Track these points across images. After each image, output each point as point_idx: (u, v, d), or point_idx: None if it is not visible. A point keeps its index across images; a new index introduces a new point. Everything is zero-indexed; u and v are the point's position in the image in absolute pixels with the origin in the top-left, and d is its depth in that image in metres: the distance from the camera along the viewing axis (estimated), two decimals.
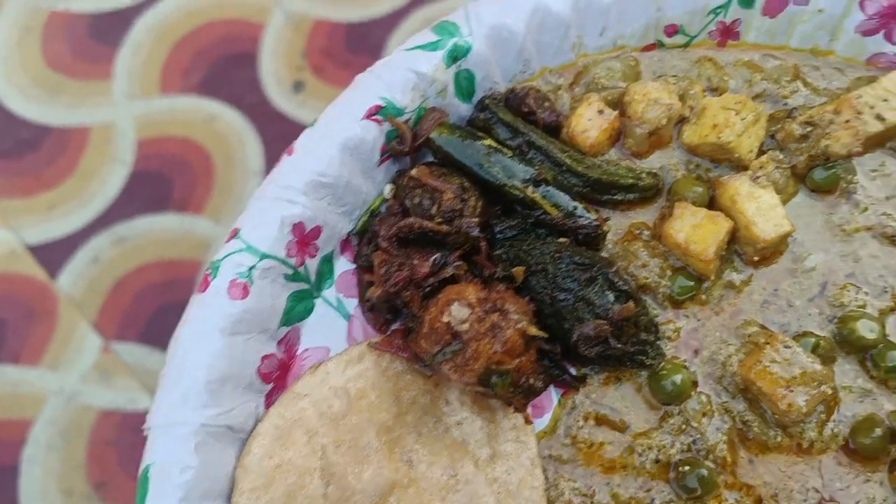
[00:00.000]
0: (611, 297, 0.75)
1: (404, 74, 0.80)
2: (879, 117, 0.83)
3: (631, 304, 0.73)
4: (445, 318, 0.66)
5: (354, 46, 2.69)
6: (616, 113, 0.84)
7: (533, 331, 0.68)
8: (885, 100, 0.83)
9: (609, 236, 0.84)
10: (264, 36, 2.59)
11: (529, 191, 0.78)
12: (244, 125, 2.00)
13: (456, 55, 0.81)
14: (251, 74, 2.51)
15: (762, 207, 0.79)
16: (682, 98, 0.85)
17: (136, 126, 1.95)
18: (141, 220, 1.75)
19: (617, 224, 0.85)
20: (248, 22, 2.67)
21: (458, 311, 0.67)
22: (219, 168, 2.10)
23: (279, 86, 2.11)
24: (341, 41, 2.67)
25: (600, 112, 0.83)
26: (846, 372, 0.80)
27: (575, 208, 0.78)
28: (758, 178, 0.80)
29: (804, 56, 0.90)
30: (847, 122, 0.80)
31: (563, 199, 0.79)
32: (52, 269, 1.64)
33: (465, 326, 0.67)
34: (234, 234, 0.74)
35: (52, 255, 1.73)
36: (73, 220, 1.83)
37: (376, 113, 0.79)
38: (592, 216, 0.79)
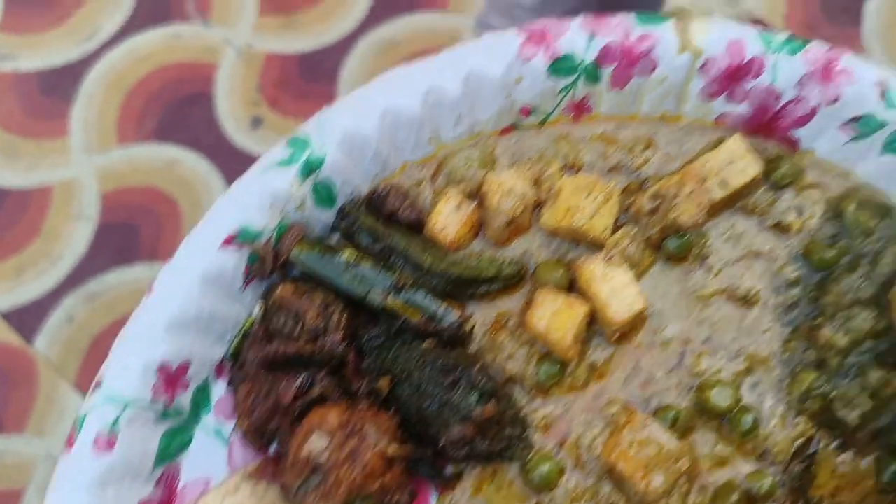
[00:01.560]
0: (474, 398, 0.81)
1: (260, 195, 0.84)
2: (724, 183, 0.90)
3: (492, 404, 0.79)
4: (305, 451, 0.72)
5: (309, 76, 2.73)
6: (474, 205, 0.89)
7: (393, 450, 0.74)
8: (730, 163, 0.90)
9: (477, 329, 0.90)
10: (217, 75, 2.62)
11: (390, 299, 0.83)
12: (206, 166, 2.03)
13: (311, 168, 0.86)
14: (207, 115, 2.55)
15: (616, 288, 0.86)
16: (537, 182, 0.90)
17: (97, 179, 1.97)
18: (111, 275, 1.78)
19: (485, 315, 0.91)
20: (199, 63, 2.69)
21: (316, 441, 0.72)
22: (185, 212, 2.13)
23: (237, 123, 2.15)
24: (295, 72, 2.71)
25: (458, 207, 0.88)
26: (706, 440, 0.87)
27: (436, 310, 0.84)
28: (611, 257, 0.87)
29: (655, 123, 0.96)
30: (690, 193, 0.87)
31: (425, 302, 0.84)
32: (27, 334, 1.68)
33: (325, 456, 0.72)
34: (97, 384, 0.78)
35: (26, 319, 1.76)
36: (43, 282, 1.86)
37: (234, 239, 0.83)
38: (455, 315, 0.84)
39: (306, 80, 2.63)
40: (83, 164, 2.43)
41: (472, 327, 0.91)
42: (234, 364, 0.88)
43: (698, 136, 0.98)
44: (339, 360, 0.84)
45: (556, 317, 0.88)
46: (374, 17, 2.71)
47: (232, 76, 2.63)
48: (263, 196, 0.87)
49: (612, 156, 0.97)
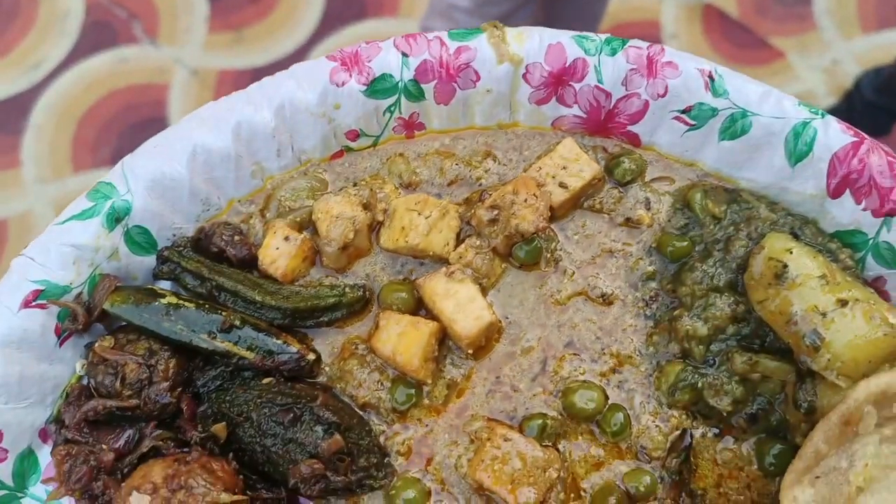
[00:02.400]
0: (319, 431, 0.77)
1: (61, 251, 0.80)
2: (563, 185, 0.89)
3: (337, 437, 0.75)
4: None
5: None
6: (304, 235, 0.86)
7: (226, 499, 0.68)
8: (564, 167, 0.89)
9: (326, 357, 0.86)
10: (170, 96, 2.58)
11: (219, 341, 0.79)
12: None
13: (117, 216, 0.82)
14: None
15: (461, 302, 0.83)
16: (368, 205, 0.88)
17: (54, 210, 1.92)
18: None
19: (333, 342, 0.88)
20: (150, 85, 2.65)
21: (137, 501, 0.66)
22: None
23: None
24: None
25: (286, 239, 0.85)
26: (579, 444, 0.84)
27: (272, 346, 0.79)
28: (453, 273, 0.84)
29: (492, 132, 0.95)
30: (526, 200, 0.85)
31: (259, 339, 0.81)
32: None
33: None
34: None
35: None
36: None
37: (35, 300, 0.78)
38: (294, 348, 0.81)
39: None
40: (38, 196, 2.38)
41: (318, 358, 0.87)
42: (59, 427, 0.81)
43: (537, 141, 0.97)
44: (171, 409, 0.79)
45: (401, 339, 0.84)
46: (323, 28, 2.74)
47: (185, 95, 2.61)
48: (65, 251, 0.83)
49: (449, 170, 0.96)
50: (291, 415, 0.79)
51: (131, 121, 2.62)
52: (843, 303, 0.81)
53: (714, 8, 2.90)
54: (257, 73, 2.67)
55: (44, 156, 2.58)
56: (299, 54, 2.71)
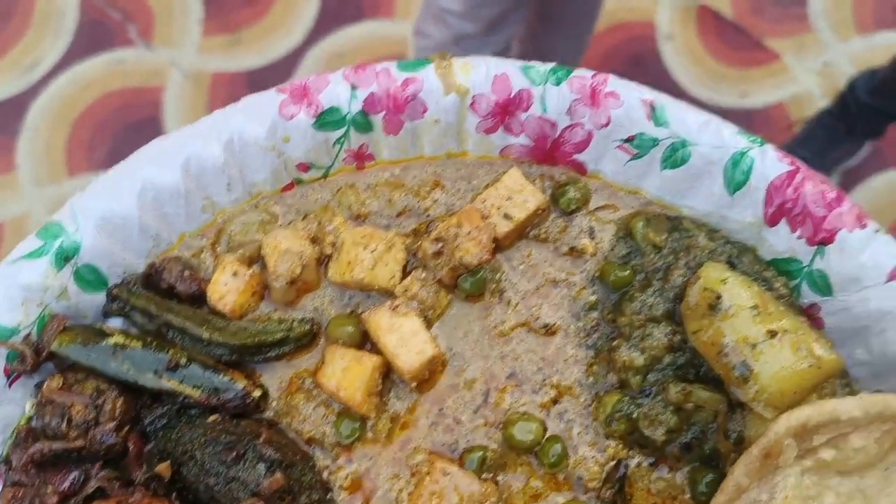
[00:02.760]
0: (261, 469, 0.80)
1: (9, 293, 0.83)
2: (508, 216, 0.92)
3: (279, 475, 0.78)
4: None
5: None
6: (252, 270, 0.89)
7: None
8: (509, 198, 0.92)
9: (273, 392, 0.89)
10: (165, 98, 2.60)
11: (165, 379, 0.82)
12: None
13: (66, 255, 0.85)
14: None
15: (404, 336, 0.86)
16: (316, 238, 0.90)
17: (50, 213, 1.99)
18: None
19: (282, 377, 0.91)
20: (145, 87, 2.68)
21: None
22: None
23: None
24: (244, 90, 2.71)
25: (234, 275, 0.88)
26: (518, 476, 0.87)
27: (217, 384, 0.82)
28: (397, 307, 0.86)
29: (441, 162, 0.97)
30: (469, 233, 0.88)
31: (205, 376, 0.84)
32: None
33: None
34: None
35: None
36: None
37: None
38: (240, 385, 0.84)
39: None
40: (34, 199, 2.41)
41: (265, 393, 0.90)
42: (6, 468, 0.84)
43: (485, 170, 1.00)
44: (118, 449, 0.82)
45: (345, 373, 0.87)
46: (319, 29, 2.75)
47: (180, 98, 2.64)
48: (13, 292, 0.85)
49: (398, 201, 0.98)
50: (234, 453, 0.82)
51: (126, 122, 2.64)
52: (772, 334, 0.84)
53: (709, 9, 2.90)
54: (252, 76, 2.69)
55: (40, 158, 2.61)
56: (295, 56, 2.72)
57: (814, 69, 2.81)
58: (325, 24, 2.77)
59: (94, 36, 2.71)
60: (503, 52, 2.13)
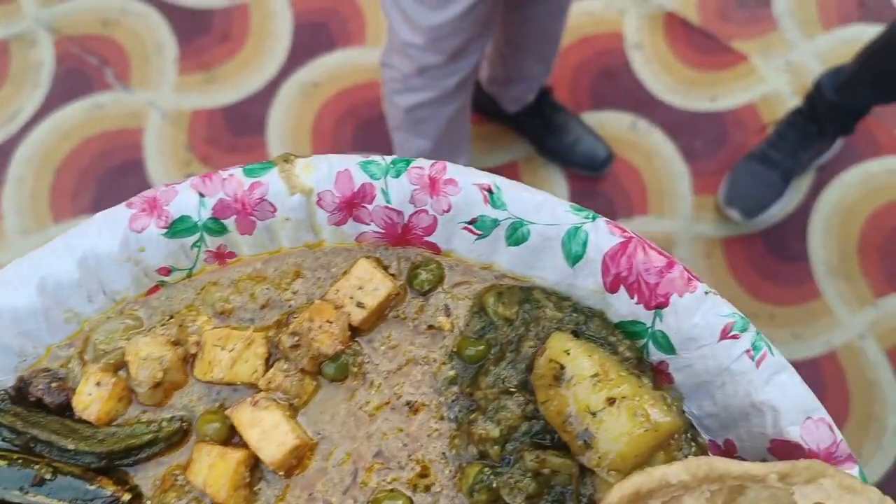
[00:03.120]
0: None
1: None
2: (360, 304, 0.97)
3: None
4: None
5: (236, 128, 2.81)
6: (116, 378, 0.93)
7: None
8: (360, 287, 0.97)
9: (148, 491, 0.93)
10: (145, 139, 2.64)
11: (31, 495, 0.85)
12: None
13: None
14: (140, 181, 2.61)
15: (266, 430, 0.90)
16: (178, 340, 0.94)
17: None
18: None
19: (155, 475, 0.95)
20: (125, 130, 2.72)
21: None
22: None
23: None
24: (222, 126, 2.77)
25: (98, 384, 0.92)
26: None
27: (84, 493, 0.86)
28: (257, 402, 0.91)
29: (301, 252, 1.02)
30: (321, 326, 0.93)
31: (71, 487, 0.87)
32: None
33: None
34: None
35: None
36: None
37: None
38: (108, 491, 0.88)
39: (235, 133, 2.71)
40: (19, 249, 2.43)
41: (137, 495, 0.94)
42: None
43: (343, 257, 1.05)
44: None
45: (211, 470, 0.92)
46: (293, 62, 2.89)
47: (160, 138, 2.69)
48: None
49: (260, 294, 1.03)
50: None
51: (109, 166, 2.70)
52: (611, 401, 0.91)
53: (676, 16, 2.99)
54: (229, 112, 2.75)
55: (25, 207, 2.64)
56: (270, 90, 2.80)
57: (782, 68, 2.91)
58: (299, 55, 2.87)
59: (71, 82, 2.82)
60: (470, 77, 2.21)
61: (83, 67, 2.80)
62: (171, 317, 1.01)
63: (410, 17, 1.93)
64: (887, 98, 2.41)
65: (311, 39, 2.89)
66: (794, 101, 2.76)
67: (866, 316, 2.66)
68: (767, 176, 2.59)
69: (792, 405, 0.94)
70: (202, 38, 2.87)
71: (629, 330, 1.02)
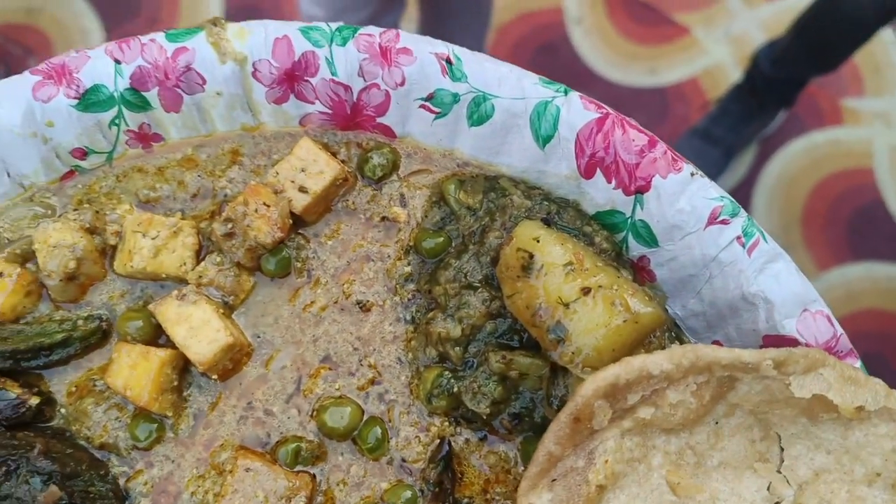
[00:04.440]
0: (37, 483, 0.75)
1: None
2: (303, 189, 0.89)
3: (54, 488, 0.74)
4: None
5: None
6: (22, 269, 0.84)
7: None
8: (303, 170, 0.88)
9: (62, 398, 0.85)
10: None
11: None
12: None
13: None
14: None
15: (194, 326, 0.82)
16: (95, 229, 0.85)
17: None
18: None
19: (71, 380, 0.86)
20: None
21: None
22: None
23: None
24: None
25: (0, 275, 0.81)
26: (338, 465, 0.84)
27: None
28: (185, 295, 0.82)
29: (238, 137, 0.93)
30: (257, 210, 0.84)
31: None
32: None
33: None
34: None
35: None
36: None
37: None
38: (12, 394, 0.80)
39: None
40: None
41: (48, 400, 0.85)
42: None
43: (286, 142, 0.97)
44: None
45: (133, 370, 0.84)
46: None
47: None
48: None
49: (191, 182, 0.94)
50: (4, 468, 0.77)
51: None
52: (585, 291, 0.83)
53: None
54: None
55: None
56: None
57: (724, 39, 2.89)
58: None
59: None
60: None
61: (6, 56, 2.75)
62: (75, 208, 0.91)
63: None
64: (823, 68, 2.42)
65: (242, 4, 2.80)
66: (737, 74, 2.73)
67: None
68: (709, 154, 2.59)
69: (787, 296, 0.86)
70: (130, 23, 2.83)
71: (607, 222, 0.94)
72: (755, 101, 2.55)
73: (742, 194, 2.80)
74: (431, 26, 2.42)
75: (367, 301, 0.92)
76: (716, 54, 2.86)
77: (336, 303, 0.92)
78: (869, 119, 2.81)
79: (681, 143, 2.70)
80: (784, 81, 2.48)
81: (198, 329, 0.84)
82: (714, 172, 2.70)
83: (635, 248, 0.94)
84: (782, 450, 0.81)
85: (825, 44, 2.27)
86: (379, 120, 0.96)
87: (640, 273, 0.95)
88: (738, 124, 2.62)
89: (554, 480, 0.78)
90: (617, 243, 0.94)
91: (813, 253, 2.71)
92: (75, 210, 0.90)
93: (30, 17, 2.82)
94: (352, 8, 1.89)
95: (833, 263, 2.67)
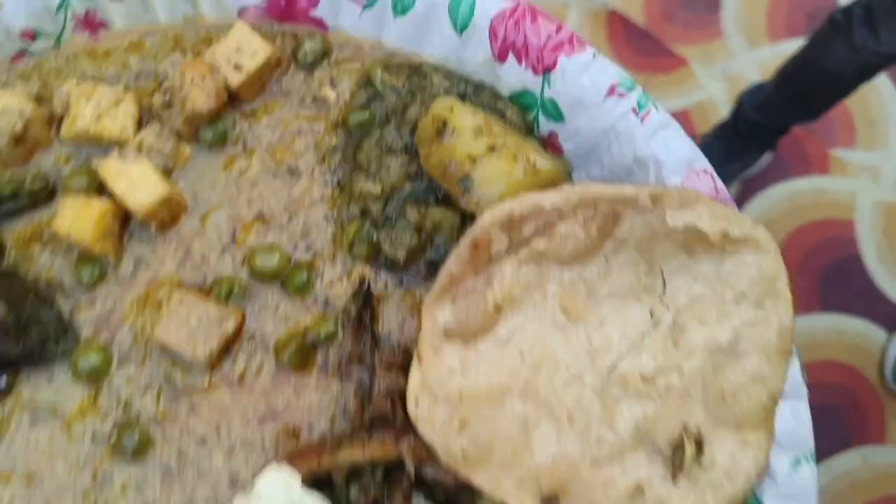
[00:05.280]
0: None
1: None
2: (238, 67, 0.99)
3: (2, 304, 0.82)
4: None
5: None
6: None
7: None
8: (238, 50, 0.99)
9: (10, 245, 0.95)
10: None
11: None
12: None
13: None
14: None
15: (134, 180, 0.92)
16: (42, 98, 0.95)
17: None
18: None
19: (20, 231, 0.96)
20: None
21: None
22: None
23: None
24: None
25: None
26: (266, 304, 0.94)
27: None
28: (126, 152, 0.92)
29: (181, 27, 1.04)
30: (193, 80, 0.94)
31: None
32: None
33: None
34: None
35: None
36: None
37: None
38: None
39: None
40: None
41: None
42: None
43: (226, 32, 1.06)
44: None
45: (77, 217, 0.93)
46: None
47: None
48: None
49: (135, 64, 1.05)
50: None
51: None
52: (492, 149, 0.94)
53: (618, 15, 2.95)
54: None
55: None
56: None
57: (721, 76, 2.89)
58: None
59: None
60: None
61: None
62: (25, 78, 1.01)
63: None
64: (805, 117, 2.44)
65: None
66: (727, 111, 2.71)
67: None
68: None
69: (674, 157, 0.98)
70: None
71: (520, 102, 1.05)
72: (737, 141, 2.58)
73: None
74: None
75: (298, 168, 1.03)
76: (710, 89, 2.87)
77: (269, 170, 1.03)
78: (856, 171, 2.78)
79: None
80: (765, 127, 2.50)
81: (137, 182, 0.94)
82: None
83: (545, 126, 1.05)
84: (665, 283, 0.92)
85: (806, 95, 2.31)
86: (312, 13, 1.07)
87: (550, 148, 1.06)
88: (721, 162, 2.62)
89: (455, 298, 0.88)
90: (528, 120, 1.05)
91: None
92: (23, 80, 1.00)
93: None
94: None
95: (800, 311, 2.62)
